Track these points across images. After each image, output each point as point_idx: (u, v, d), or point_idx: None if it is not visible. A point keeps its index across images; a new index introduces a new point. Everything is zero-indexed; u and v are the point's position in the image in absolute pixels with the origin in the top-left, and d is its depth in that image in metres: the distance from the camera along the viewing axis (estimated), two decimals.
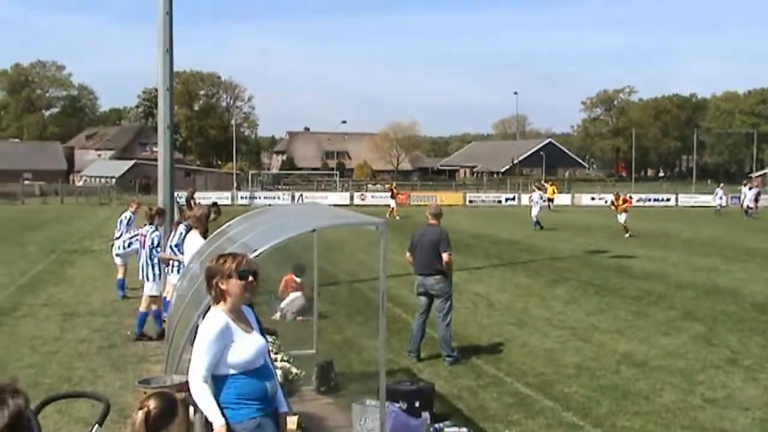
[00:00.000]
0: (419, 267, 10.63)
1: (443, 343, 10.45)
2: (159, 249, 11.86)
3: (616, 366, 10.33)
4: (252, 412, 4.69)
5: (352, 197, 58.63)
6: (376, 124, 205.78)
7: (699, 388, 9.30)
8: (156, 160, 16.22)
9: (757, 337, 12.13)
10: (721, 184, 46.58)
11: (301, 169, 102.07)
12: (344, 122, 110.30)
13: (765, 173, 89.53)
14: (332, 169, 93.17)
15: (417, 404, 7.87)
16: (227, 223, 8.70)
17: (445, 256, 10.29)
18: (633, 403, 8.70)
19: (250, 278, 4.78)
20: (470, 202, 59.92)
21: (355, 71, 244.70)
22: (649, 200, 61.76)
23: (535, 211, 34.86)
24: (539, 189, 39.84)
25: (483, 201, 60.63)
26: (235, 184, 70.21)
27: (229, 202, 52.19)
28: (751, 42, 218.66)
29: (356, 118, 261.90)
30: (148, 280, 11.80)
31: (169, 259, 11.13)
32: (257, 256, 5.67)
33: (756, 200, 43.83)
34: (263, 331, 5.50)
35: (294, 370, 6.68)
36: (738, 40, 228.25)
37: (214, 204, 13.35)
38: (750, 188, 44.67)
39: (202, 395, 4.60)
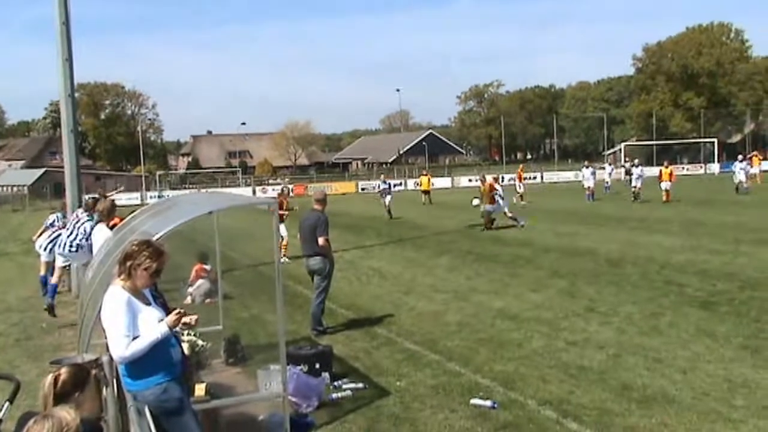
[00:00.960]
0: (302, 248, 10.59)
1: (312, 317, 10.35)
2: (88, 239, 11.35)
3: (492, 320, 10.62)
4: (158, 378, 4.61)
5: (254, 191, 57.94)
6: (275, 124, 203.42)
7: (563, 333, 9.68)
8: None
9: (611, 288, 12.70)
10: (585, 162, 44.88)
11: (206, 168, 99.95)
12: (244, 124, 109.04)
13: (615, 151, 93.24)
14: (235, 168, 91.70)
15: (317, 366, 7.90)
16: (131, 215, 8.47)
17: (320, 240, 10.13)
18: (507, 350, 8.97)
19: (156, 266, 4.70)
20: (362, 189, 60.26)
21: (252, 76, 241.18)
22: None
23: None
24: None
25: (374, 188, 60.87)
26: (144, 185, 68.19)
27: (138, 201, 50.65)
28: (599, 37, 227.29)
29: (255, 120, 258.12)
30: (63, 253, 11.33)
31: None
32: (158, 239, 5.54)
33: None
34: (165, 307, 5.39)
35: (200, 342, 6.58)
36: (588, 36, 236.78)
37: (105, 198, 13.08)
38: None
39: (136, 344, 4.47)
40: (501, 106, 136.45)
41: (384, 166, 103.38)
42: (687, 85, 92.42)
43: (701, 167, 68.67)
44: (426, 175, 41.70)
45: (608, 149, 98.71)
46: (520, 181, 37.25)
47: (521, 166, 40.41)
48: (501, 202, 24.01)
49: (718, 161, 68.97)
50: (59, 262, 12.09)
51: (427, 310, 11.56)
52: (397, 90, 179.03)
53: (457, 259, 17.29)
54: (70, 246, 10.95)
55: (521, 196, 35.78)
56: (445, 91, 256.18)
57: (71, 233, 11.03)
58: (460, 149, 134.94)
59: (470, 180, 63.50)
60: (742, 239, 18.47)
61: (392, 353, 9.07)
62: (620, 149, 69.79)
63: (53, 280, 11.83)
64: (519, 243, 19.56)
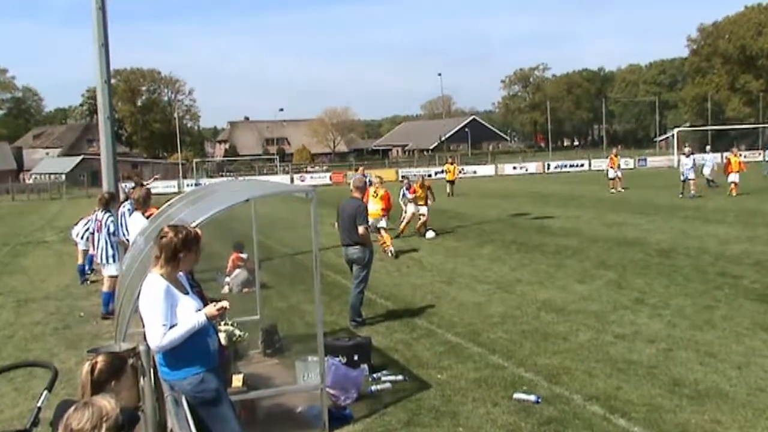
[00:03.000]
0: (341, 237, 10.64)
1: (351, 308, 10.38)
2: (115, 233, 11.57)
3: (537, 312, 10.56)
4: (195, 369, 4.68)
5: (292, 179, 58.22)
6: (313, 111, 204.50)
7: (611, 326, 9.58)
8: None
9: (661, 279, 12.53)
10: (686, 149, 41.23)
11: (243, 156, 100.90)
12: (282, 110, 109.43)
13: (668, 137, 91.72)
14: (273, 155, 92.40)
15: (356, 357, 7.95)
16: (167, 203, 8.60)
17: (360, 229, 10.15)
18: (552, 343, 8.92)
19: (194, 249, 4.78)
20: (403, 177, 60.08)
21: (290, 62, 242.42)
22: (565, 166, 62.96)
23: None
24: None
25: (414, 176, 60.84)
26: (180, 173, 69.11)
27: (175, 189, 51.37)
28: (651, 17, 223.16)
29: (293, 106, 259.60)
30: (108, 262, 11.54)
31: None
32: (195, 227, 5.61)
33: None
34: (202, 296, 5.48)
35: (237, 332, 6.66)
36: (639, 16, 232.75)
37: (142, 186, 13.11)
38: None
39: (173, 333, 4.54)
40: (547, 90, 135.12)
41: (425, 152, 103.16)
42: (745, 67, 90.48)
43: (760, 154, 67.15)
44: (452, 162, 38.60)
45: (660, 135, 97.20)
46: (614, 167, 35.62)
47: (615, 150, 38.70)
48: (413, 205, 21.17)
49: None
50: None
51: (469, 301, 11.54)
52: (439, 74, 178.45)
53: (500, 249, 17.21)
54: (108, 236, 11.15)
55: (617, 180, 34.65)
56: (489, 75, 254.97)
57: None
58: (504, 136, 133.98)
59: (514, 168, 63.20)
60: None
61: (433, 345, 9.08)
62: (673, 135, 68.52)
63: (105, 288, 11.31)
64: (565, 233, 19.38)
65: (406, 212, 21.31)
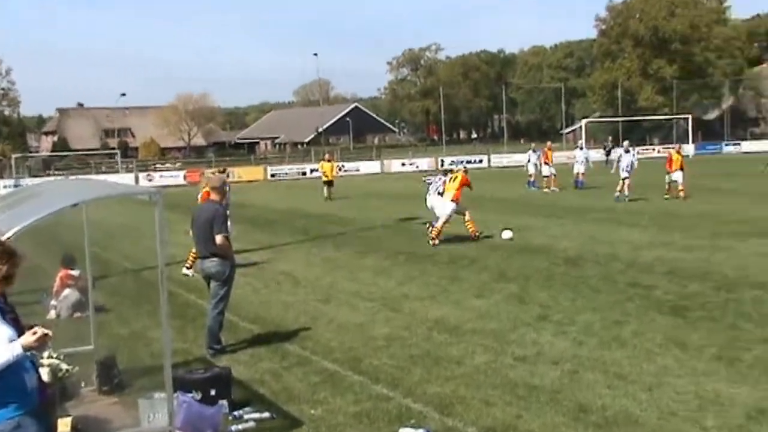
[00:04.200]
0: (197, 248, 10.49)
1: (209, 333, 10.26)
2: None
3: (428, 333, 10.75)
4: (9, 412, 4.51)
5: (137, 179, 56.86)
6: (163, 97, 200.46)
7: (510, 347, 9.86)
8: None
9: (567, 291, 13.01)
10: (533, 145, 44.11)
11: (76, 150, 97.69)
12: (124, 95, 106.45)
13: (575, 129, 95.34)
14: (113, 149, 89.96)
15: (213, 392, 7.86)
16: None
17: (218, 238, 10.00)
18: (445, 368, 9.10)
19: (6, 270, 4.62)
20: (272, 175, 59.96)
21: (134, 37, 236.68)
22: (462, 162, 64.26)
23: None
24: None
25: (287, 174, 60.82)
26: None
27: None
28: None
29: (139, 91, 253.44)
30: None
31: None
32: (8, 239, 5.40)
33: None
34: (17, 323, 5.27)
35: (64, 365, 6.46)
36: None
37: None
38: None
39: None
40: (440, 74, 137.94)
41: (299, 146, 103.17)
42: (658, 52, 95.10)
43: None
44: (329, 159, 37.95)
45: (567, 126, 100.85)
46: (550, 162, 36.30)
47: (549, 144, 39.46)
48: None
49: (693, 141, 71.26)
50: None
51: (349, 322, 11.61)
52: (315, 55, 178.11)
53: (386, 259, 17.41)
54: None
55: (552, 178, 35.49)
56: (374, 56, 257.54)
57: None
58: (391, 127, 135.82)
59: (403, 164, 64.11)
60: (720, 232, 19.19)
61: (306, 375, 9.08)
62: (581, 126, 71.28)
63: None
64: (460, 240, 19.80)
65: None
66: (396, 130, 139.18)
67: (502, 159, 65.80)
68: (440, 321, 11.40)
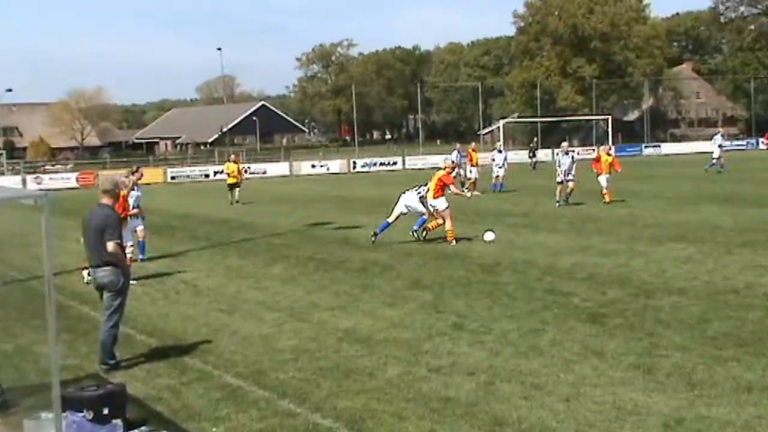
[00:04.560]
0: (87, 256, 10.29)
1: (102, 347, 10.11)
2: None
3: (338, 344, 10.76)
4: None
5: (24, 181, 55.50)
6: (54, 93, 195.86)
7: (425, 357, 9.95)
8: None
9: (484, 299, 13.19)
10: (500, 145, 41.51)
11: None
12: (10, 91, 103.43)
13: (493, 129, 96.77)
14: None
15: (106, 411, 7.71)
16: None
17: (110, 245, 9.86)
18: (355, 381, 9.12)
19: None
20: (173, 178, 59.18)
21: (21, 27, 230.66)
22: (375, 164, 64.66)
23: None
24: None
25: (188, 176, 60.14)
26: None
27: None
28: None
29: (27, 87, 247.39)
30: None
31: None
32: None
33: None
34: None
35: None
36: None
37: None
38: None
39: None
40: (353, 71, 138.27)
41: (201, 147, 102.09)
42: (577, 50, 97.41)
43: (593, 150, 72.46)
44: (235, 161, 37.41)
45: (485, 127, 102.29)
46: (473, 164, 36.60)
47: (473, 145, 39.74)
48: None
49: (613, 143, 72.97)
50: None
51: (254, 334, 11.54)
52: (219, 49, 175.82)
53: (294, 267, 17.39)
54: None
55: (472, 183, 35.60)
56: (282, 51, 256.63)
57: None
58: (301, 126, 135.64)
59: (313, 166, 64.02)
60: (638, 236, 19.71)
61: (208, 391, 9.00)
62: (499, 127, 72.37)
63: None
64: (373, 246, 19.89)
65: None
66: (306, 130, 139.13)
67: (418, 161, 66.24)
68: (351, 331, 11.43)
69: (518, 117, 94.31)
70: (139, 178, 19.01)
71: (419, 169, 62.33)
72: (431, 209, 20.28)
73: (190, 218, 29.61)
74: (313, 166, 64.07)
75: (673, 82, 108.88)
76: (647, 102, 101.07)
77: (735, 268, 15.09)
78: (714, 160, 43.72)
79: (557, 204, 28.36)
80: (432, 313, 12.37)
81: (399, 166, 64.54)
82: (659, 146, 76.34)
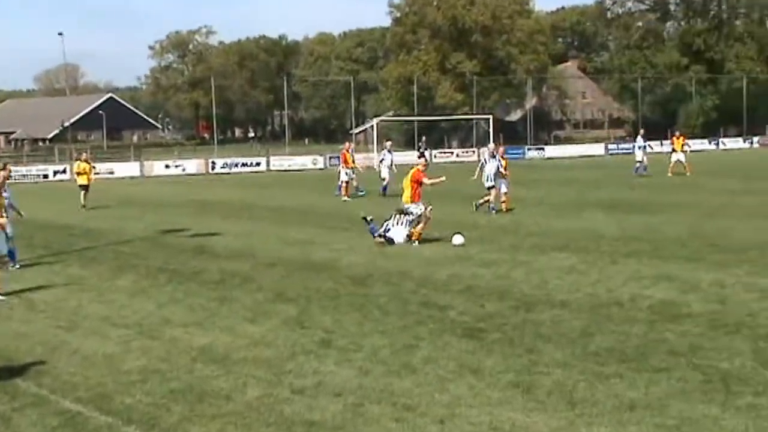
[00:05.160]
0: None
1: None
2: None
3: (191, 364, 10.64)
4: None
5: None
6: None
7: (287, 377, 9.94)
8: None
9: (353, 314, 13.27)
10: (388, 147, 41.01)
11: None
12: None
13: (366, 128, 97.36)
14: None
15: None
16: None
17: None
18: (210, 405, 9.04)
19: None
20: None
21: None
22: (237, 165, 64.23)
23: None
24: None
25: (24, 176, 58.30)
26: None
27: None
28: None
29: None
30: None
31: None
32: None
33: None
34: None
35: None
36: None
37: None
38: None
39: None
40: (212, 62, 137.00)
41: (40, 143, 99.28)
42: (457, 44, 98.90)
43: (474, 152, 73.74)
44: (86, 160, 36.59)
45: (358, 126, 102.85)
46: (347, 165, 36.71)
47: (348, 144, 39.31)
48: None
49: (495, 144, 74.52)
50: None
51: (97, 353, 11.31)
52: (60, 34, 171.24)
53: (144, 278, 17.14)
54: None
55: (345, 187, 35.84)
56: (133, 38, 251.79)
57: None
58: (154, 122, 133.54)
59: (167, 166, 63.10)
60: (520, 245, 20.19)
61: (42, 417, 8.78)
62: (373, 126, 72.90)
63: None
64: (233, 254, 19.78)
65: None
66: (159, 126, 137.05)
67: (284, 161, 66.21)
68: (206, 350, 11.32)
69: (393, 115, 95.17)
70: (7, 177, 18.04)
71: (285, 170, 62.40)
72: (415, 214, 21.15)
73: (26, 224, 28.62)
74: (167, 167, 63.13)
75: (558, 80, 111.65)
76: (530, 101, 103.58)
77: (619, 280, 15.64)
78: (638, 164, 45.21)
79: (492, 211, 27.84)
80: (296, 329, 12.37)
81: (263, 166, 64.27)
82: (543, 149, 78.27)
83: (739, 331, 11.54)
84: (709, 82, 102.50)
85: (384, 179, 36.81)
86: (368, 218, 21.71)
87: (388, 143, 41.64)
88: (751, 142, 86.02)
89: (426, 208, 20.89)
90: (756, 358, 10.21)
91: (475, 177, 29.73)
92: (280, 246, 21.21)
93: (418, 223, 20.98)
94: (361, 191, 36.59)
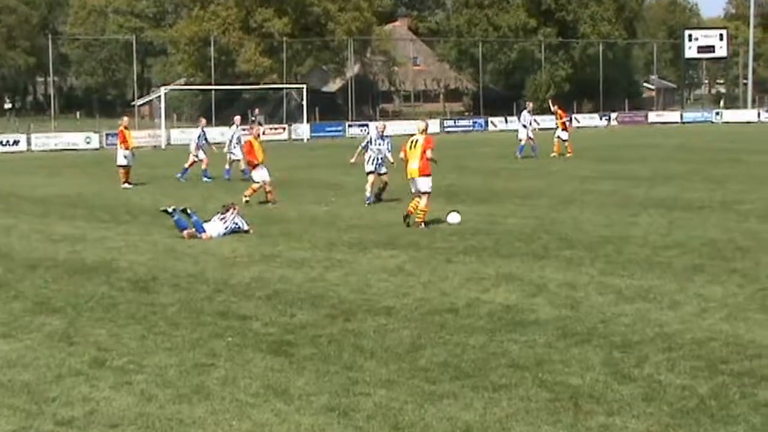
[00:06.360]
0: None
1: None
2: None
3: None
4: None
5: None
6: None
7: (51, 406, 9.68)
8: None
9: (134, 326, 13.07)
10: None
11: None
12: None
13: (152, 99, 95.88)
14: None
15: None
16: None
17: None
18: None
19: None
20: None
21: None
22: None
23: None
24: None
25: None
26: None
27: None
28: None
29: None
30: None
31: None
32: None
33: None
34: None
35: None
36: None
37: None
38: None
39: None
40: None
41: None
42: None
43: (285, 129, 73.59)
44: None
45: (142, 97, 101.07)
46: (126, 146, 35.47)
47: (127, 119, 37.86)
48: None
49: (309, 120, 74.63)
50: None
51: None
52: None
53: None
54: None
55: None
56: None
57: None
58: None
59: None
60: (337, 241, 20.34)
61: None
62: (160, 97, 71.82)
63: None
64: None
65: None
66: None
67: (49, 140, 64.39)
68: None
69: (186, 83, 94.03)
70: None
71: (50, 150, 60.75)
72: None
73: None
74: None
75: (385, 43, 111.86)
76: (352, 69, 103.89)
77: (455, 281, 15.98)
78: (522, 142, 45.28)
79: (366, 202, 27.83)
80: (64, 347, 12.11)
81: (23, 145, 62.46)
82: (367, 125, 78.71)
83: (591, 341, 11.91)
84: (561, 47, 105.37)
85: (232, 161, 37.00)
86: (170, 209, 21.39)
87: (237, 118, 40.24)
88: (609, 119, 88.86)
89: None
90: (609, 371, 10.55)
91: (353, 160, 29.62)
92: (44, 244, 20.71)
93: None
94: (208, 177, 36.28)
